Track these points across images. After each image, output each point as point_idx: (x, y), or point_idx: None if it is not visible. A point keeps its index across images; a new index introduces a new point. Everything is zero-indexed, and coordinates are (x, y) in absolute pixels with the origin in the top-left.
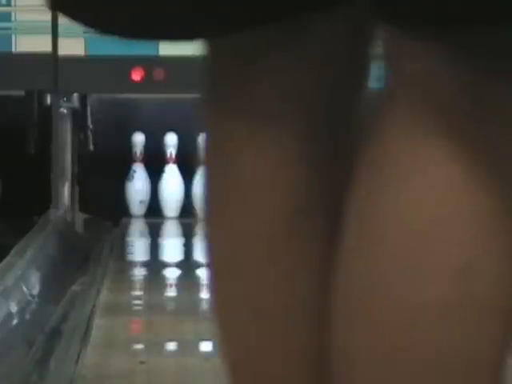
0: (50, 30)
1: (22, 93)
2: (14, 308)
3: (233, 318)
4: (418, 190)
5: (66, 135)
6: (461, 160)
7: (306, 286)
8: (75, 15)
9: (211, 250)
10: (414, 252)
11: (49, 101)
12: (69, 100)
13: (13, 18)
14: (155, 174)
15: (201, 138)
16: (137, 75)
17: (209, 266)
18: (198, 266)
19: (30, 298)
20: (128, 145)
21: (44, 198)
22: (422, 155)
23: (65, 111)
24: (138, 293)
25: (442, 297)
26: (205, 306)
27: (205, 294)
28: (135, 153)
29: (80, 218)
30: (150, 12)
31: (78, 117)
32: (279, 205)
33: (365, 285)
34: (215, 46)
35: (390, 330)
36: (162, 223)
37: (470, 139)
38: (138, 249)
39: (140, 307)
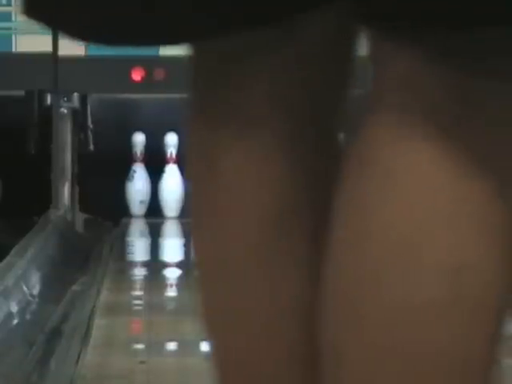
0: (50, 29)
1: (22, 93)
2: (14, 308)
3: (222, 320)
4: (407, 191)
5: (66, 135)
6: (449, 161)
7: (296, 286)
8: (58, 25)
9: (199, 252)
10: (404, 253)
11: (49, 101)
12: (69, 100)
13: (13, 18)
14: (155, 174)
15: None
16: (137, 75)
17: (197, 267)
18: None
19: (30, 297)
20: (128, 145)
21: (44, 198)
22: (409, 156)
23: (65, 111)
24: (138, 293)
25: (431, 297)
26: None
27: None
28: (135, 153)
29: (80, 217)
30: (148, 16)
31: (78, 117)
32: (267, 205)
33: (354, 280)
34: (200, 49)
35: (379, 327)
36: (162, 223)
37: (457, 140)
38: (139, 249)
39: (140, 307)
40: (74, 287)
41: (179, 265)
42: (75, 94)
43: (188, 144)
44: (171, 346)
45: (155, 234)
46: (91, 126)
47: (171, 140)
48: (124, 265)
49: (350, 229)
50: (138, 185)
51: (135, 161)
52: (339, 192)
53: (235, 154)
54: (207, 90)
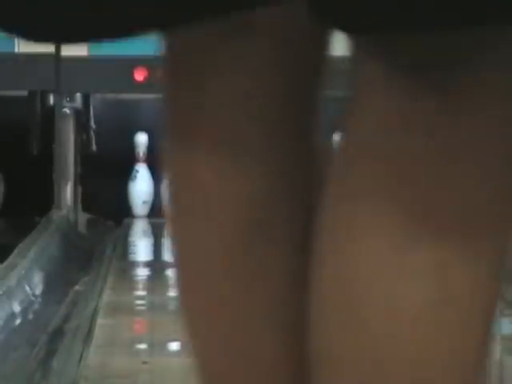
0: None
1: (24, 93)
2: (16, 308)
3: (198, 319)
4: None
5: (68, 135)
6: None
7: (267, 297)
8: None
9: (176, 263)
10: (391, 255)
11: (52, 101)
12: (72, 100)
13: None
14: (158, 174)
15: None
16: (140, 75)
17: (175, 278)
18: None
19: (32, 297)
20: (131, 145)
21: (46, 198)
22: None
23: (68, 111)
24: (140, 293)
25: (423, 296)
26: None
27: None
28: (138, 153)
29: (83, 218)
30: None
31: (80, 117)
32: (237, 217)
33: (345, 284)
34: (169, 44)
35: (375, 329)
36: (164, 223)
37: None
38: (141, 249)
39: (143, 307)
40: (77, 287)
41: None
42: (78, 95)
43: (162, 148)
44: (174, 346)
45: (158, 234)
46: (94, 126)
47: None
48: (126, 265)
49: (338, 232)
50: (140, 185)
51: (138, 161)
52: (324, 196)
53: (205, 169)
54: (178, 97)
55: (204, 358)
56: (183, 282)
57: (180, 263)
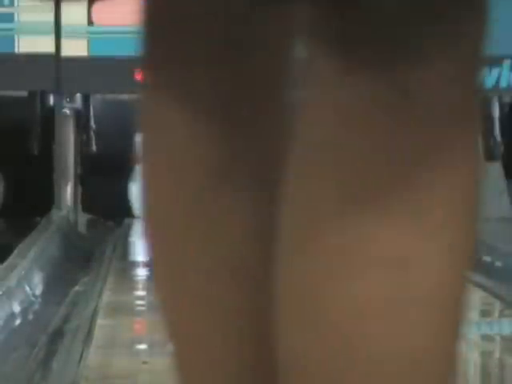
0: (52, 30)
1: (24, 93)
2: (16, 308)
3: (168, 270)
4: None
5: (68, 136)
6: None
7: (236, 234)
8: None
9: (145, 212)
10: (353, 249)
11: (51, 101)
12: (72, 101)
13: (15, 19)
14: None
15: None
16: (140, 75)
17: (145, 226)
18: None
19: (32, 298)
20: (131, 145)
21: (47, 199)
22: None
23: (67, 112)
24: (140, 293)
25: (386, 292)
26: None
27: None
28: (138, 153)
29: (83, 218)
30: None
31: (80, 117)
32: (204, 159)
33: (307, 280)
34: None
35: (340, 325)
36: None
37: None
38: (141, 249)
39: (143, 307)
40: (77, 287)
41: None
42: (78, 95)
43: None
44: None
45: None
46: (94, 127)
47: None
48: (126, 265)
49: (298, 231)
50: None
51: (138, 161)
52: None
53: (174, 122)
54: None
55: (170, 300)
56: (148, 231)
57: (146, 211)
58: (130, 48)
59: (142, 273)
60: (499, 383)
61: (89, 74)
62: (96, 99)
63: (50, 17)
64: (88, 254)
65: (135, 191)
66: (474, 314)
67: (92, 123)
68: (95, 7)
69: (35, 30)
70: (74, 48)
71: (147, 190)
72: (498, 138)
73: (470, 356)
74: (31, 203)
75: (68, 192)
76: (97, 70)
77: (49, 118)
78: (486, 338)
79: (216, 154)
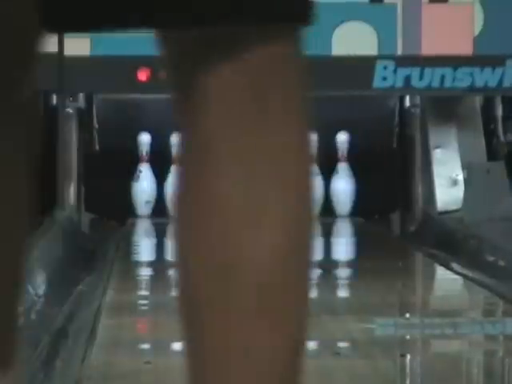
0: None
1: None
2: (19, 308)
3: None
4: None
5: (71, 135)
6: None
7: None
8: None
9: None
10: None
11: (54, 101)
12: (74, 100)
13: None
14: (161, 174)
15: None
16: (143, 75)
17: None
18: None
19: (35, 298)
20: (134, 145)
21: (50, 198)
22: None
23: (70, 111)
24: (143, 293)
25: (274, 243)
26: None
27: None
28: (141, 153)
29: (86, 218)
30: None
31: (83, 117)
32: None
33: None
34: None
35: (238, 277)
36: (167, 223)
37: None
38: (144, 249)
39: (146, 307)
40: (80, 287)
41: None
42: (81, 94)
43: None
44: (177, 346)
45: (161, 234)
46: (97, 126)
47: (177, 140)
48: (130, 265)
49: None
50: (143, 185)
51: (141, 161)
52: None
53: None
54: None
55: None
56: None
57: None
58: (134, 47)
59: (145, 272)
60: (502, 383)
61: (92, 74)
62: (99, 99)
63: None
64: (91, 254)
65: (138, 191)
66: (477, 314)
67: (95, 123)
68: None
69: None
70: (77, 47)
71: None
72: (501, 137)
73: (473, 356)
74: (34, 203)
75: (71, 192)
76: (100, 70)
77: (52, 118)
78: (490, 337)
79: None
